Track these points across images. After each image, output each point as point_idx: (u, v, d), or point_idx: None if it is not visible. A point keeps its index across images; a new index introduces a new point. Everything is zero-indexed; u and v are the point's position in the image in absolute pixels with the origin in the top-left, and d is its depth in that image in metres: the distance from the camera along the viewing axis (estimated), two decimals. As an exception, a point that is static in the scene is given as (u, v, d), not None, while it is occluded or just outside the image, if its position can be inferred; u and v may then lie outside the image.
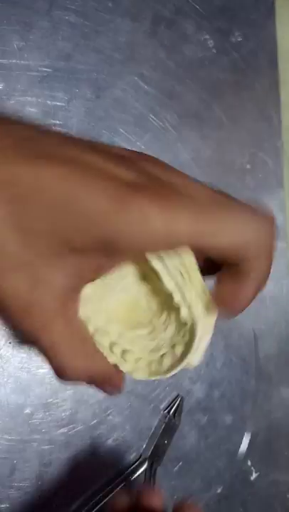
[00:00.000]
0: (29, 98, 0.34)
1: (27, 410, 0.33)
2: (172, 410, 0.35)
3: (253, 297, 0.18)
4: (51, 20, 0.35)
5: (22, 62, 0.34)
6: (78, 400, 0.33)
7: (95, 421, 0.34)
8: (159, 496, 0.26)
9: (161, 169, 0.17)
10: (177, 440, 0.36)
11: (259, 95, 0.39)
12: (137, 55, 0.36)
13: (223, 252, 0.16)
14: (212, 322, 0.20)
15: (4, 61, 0.33)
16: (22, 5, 0.34)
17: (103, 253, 0.16)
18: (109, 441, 0.34)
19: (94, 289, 0.21)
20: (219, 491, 0.37)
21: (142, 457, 0.35)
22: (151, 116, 0.36)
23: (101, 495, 0.33)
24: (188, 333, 0.20)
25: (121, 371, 0.20)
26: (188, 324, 0.20)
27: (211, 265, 0.19)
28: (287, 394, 0.39)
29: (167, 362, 0.20)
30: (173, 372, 0.20)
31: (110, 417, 0.34)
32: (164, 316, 0.21)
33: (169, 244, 0.16)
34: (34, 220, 0.15)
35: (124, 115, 0.36)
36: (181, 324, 0.21)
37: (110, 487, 0.33)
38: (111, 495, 0.33)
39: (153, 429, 0.35)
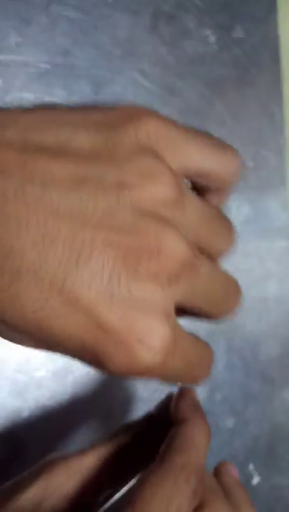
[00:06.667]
0: (27, 94, 0.33)
1: (24, 413, 0.32)
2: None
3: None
4: (49, 15, 0.34)
5: (20, 58, 0.33)
6: (77, 403, 0.33)
7: (94, 424, 0.33)
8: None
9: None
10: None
11: (261, 91, 0.39)
12: (137, 51, 0.36)
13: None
14: None
15: (2, 57, 0.33)
16: (20, 0, 0.33)
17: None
18: (109, 445, 0.34)
19: None
20: (221, 495, 0.37)
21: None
22: (151, 112, 0.36)
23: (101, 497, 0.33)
24: None
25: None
26: None
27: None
28: (290, 396, 0.39)
29: None
30: None
31: (110, 420, 0.34)
32: None
33: None
34: None
35: (123, 112, 0.35)
36: None
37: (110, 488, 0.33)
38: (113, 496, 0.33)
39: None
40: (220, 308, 0.19)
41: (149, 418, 0.23)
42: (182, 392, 0.23)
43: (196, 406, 0.22)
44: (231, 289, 0.19)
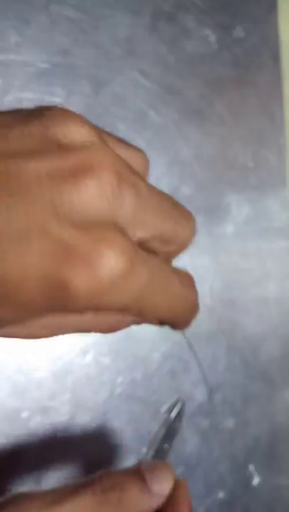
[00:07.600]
0: (27, 94, 0.33)
1: (24, 414, 0.32)
2: (173, 414, 0.35)
3: None
4: (49, 15, 0.34)
5: (19, 57, 0.33)
6: (76, 403, 0.33)
7: (93, 425, 0.33)
8: None
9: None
10: (178, 444, 0.35)
11: (262, 91, 0.39)
12: (137, 51, 0.36)
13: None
14: None
15: (1, 57, 0.33)
16: (20, 0, 0.33)
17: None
18: (109, 446, 0.34)
19: None
20: (221, 496, 0.36)
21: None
22: (151, 112, 0.36)
23: None
24: None
25: None
26: None
27: None
28: (290, 397, 0.39)
29: None
30: None
31: (110, 421, 0.34)
32: None
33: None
34: None
35: (123, 111, 0.35)
36: None
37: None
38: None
39: (153, 433, 0.35)
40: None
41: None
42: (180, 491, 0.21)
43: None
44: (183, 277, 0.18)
